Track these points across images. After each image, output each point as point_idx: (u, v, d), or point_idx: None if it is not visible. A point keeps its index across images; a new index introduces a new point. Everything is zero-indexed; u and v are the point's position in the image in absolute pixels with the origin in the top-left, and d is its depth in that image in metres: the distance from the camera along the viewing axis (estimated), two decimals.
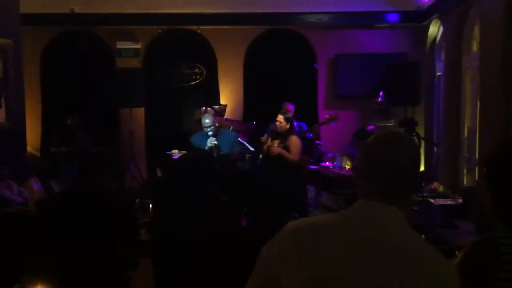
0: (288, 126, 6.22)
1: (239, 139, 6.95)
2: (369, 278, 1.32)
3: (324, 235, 1.40)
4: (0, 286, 3.82)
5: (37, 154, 8.24)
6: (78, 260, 2.93)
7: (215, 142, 6.30)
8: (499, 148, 1.64)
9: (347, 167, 6.67)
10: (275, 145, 6.12)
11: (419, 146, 6.19)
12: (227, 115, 8.08)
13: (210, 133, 6.31)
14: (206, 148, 6.32)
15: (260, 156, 6.84)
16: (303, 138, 6.70)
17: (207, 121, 6.33)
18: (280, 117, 6.25)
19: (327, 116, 7.26)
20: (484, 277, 1.51)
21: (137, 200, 3.33)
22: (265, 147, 6.17)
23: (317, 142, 7.53)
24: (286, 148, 6.10)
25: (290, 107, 7.24)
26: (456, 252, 3.23)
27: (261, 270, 1.48)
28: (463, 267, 1.51)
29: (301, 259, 1.39)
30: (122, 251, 3.03)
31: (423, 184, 4.77)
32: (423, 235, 3.34)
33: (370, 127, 7.13)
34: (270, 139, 6.18)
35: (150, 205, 3.31)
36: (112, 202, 3.07)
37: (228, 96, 8.70)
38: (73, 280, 2.95)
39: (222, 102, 8.50)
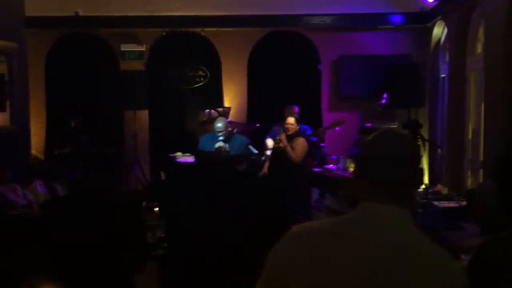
0: (297, 128, 6.31)
1: (250, 146, 6.94)
2: (378, 281, 1.32)
3: (331, 239, 1.40)
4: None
5: (42, 156, 8.27)
6: (83, 262, 2.94)
7: (224, 145, 6.31)
8: (509, 149, 1.64)
9: (351, 169, 6.67)
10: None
11: (424, 148, 6.18)
12: (231, 117, 8.08)
13: (220, 138, 6.32)
14: (213, 149, 6.32)
15: (263, 158, 6.86)
16: (308, 141, 6.72)
17: (219, 125, 6.33)
18: (291, 119, 6.31)
19: (334, 120, 7.27)
20: (494, 278, 1.51)
21: (144, 203, 3.34)
22: (280, 144, 6.23)
23: (321, 144, 7.53)
24: (292, 148, 6.17)
25: (295, 109, 7.25)
26: (462, 254, 3.23)
27: (268, 273, 1.47)
28: (473, 268, 1.51)
29: (309, 264, 1.38)
30: (128, 254, 3.04)
31: (422, 180, 4.77)
32: None
33: (368, 124, 7.13)
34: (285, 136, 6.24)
35: (156, 208, 3.33)
36: (118, 204, 3.08)
37: (232, 98, 8.70)
38: (78, 282, 2.96)
39: (226, 104, 8.51)
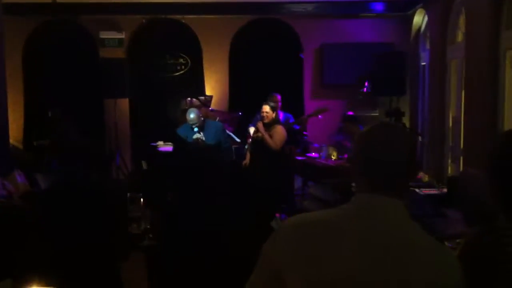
0: (274, 115, 6.27)
1: (226, 130, 6.94)
2: (378, 272, 1.32)
3: (328, 232, 1.39)
4: None
5: (20, 146, 8.13)
6: (68, 253, 2.91)
7: (200, 135, 6.31)
8: (502, 140, 1.65)
9: (333, 157, 6.69)
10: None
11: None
12: (212, 105, 8.04)
13: (196, 129, 6.31)
14: (191, 140, 6.32)
15: (246, 146, 6.85)
16: (290, 129, 6.71)
17: (192, 116, 6.31)
18: (267, 108, 6.27)
19: (317, 108, 7.28)
20: (487, 269, 1.52)
21: (128, 194, 3.31)
22: (258, 134, 6.22)
23: (303, 132, 7.54)
24: (270, 137, 6.16)
25: (278, 97, 7.23)
26: (445, 241, 3.27)
27: (264, 266, 1.47)
28: (465, 259, 1.52)
29: (307, 256, 1.37)
30: (112, 244, 3.02)
31: (417, 172, 4.83)
32: None
33: (350, 112, 7.16)
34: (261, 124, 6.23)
35: (141, 199, 3.30)
36: (102, 196, 3.05)
37: (214, 86, 8.65)
38: (63, 273, 2.93)
39: (208, 92, 8.46)
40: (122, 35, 8.43)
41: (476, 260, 1.54)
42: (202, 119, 6.44)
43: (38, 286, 2.18)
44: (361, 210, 1.41)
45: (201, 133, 6.36)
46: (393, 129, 1.50)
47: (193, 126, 6.32)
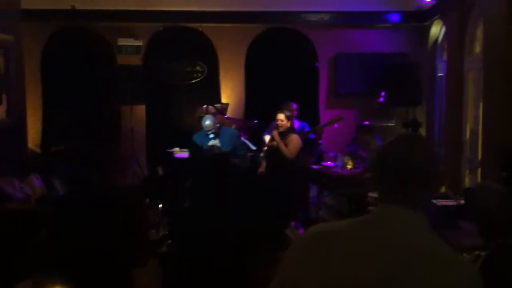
0: (289, 124, 6.29)
1: (242, 138, 6.96)
2: (395, 284, 1.31)
3: (348, 241, 1.39)
4: (5, 281, 3.81)
5: (38, 150, 8.21)
6: (84, 257, 2.93)
7: (215, 142, 6.33)
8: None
9: (349, 166, 6.67)
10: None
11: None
12: (228, 113, 8.06)
13: (211, 135, 6.33)
14: (206, 147, 6.34)
15: (261, 154, 6.86)
16: (305, 138, 6.71)
17: (207, 123, 6.34)
18: (281, 116, 6.28)
19: (332, 117, 7.28)
20: (506, 284, 1.51)
21: (147, 200, 3.33)
22: (274, 143, 6.23)
23: (318, 141, 7.53)
24: (285, 145, 6.17)
25: (293, 106, 7.24)
26: (464, 254, 3.24)
27: (282, 275, 1.47)
28: (487, 272, 1.51)
29: (324, 266, 1.38)
30: (128, 249, 3.03)
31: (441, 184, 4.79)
32: None
33: (366, 122, 7.15)
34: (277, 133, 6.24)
35: (160, 205, 3.32)
36: (118, 201, 3.07)
37: (230, 94, 8.68)
38: (79, 276, 2.95)
39: (224, 100, 8.49)
40: (139, 43, 8.49)
41: (499, 273, 1.53)
42: (218, 126, 6.46)
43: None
44: (381, 220, 1.41)
45: (217, 140, 6.39)
46: (415, 140, 1.49)
47: (209, 133, 6.35)
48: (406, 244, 1.35)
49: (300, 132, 6.71)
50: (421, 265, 1.31)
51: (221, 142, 6.40)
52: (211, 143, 6.37)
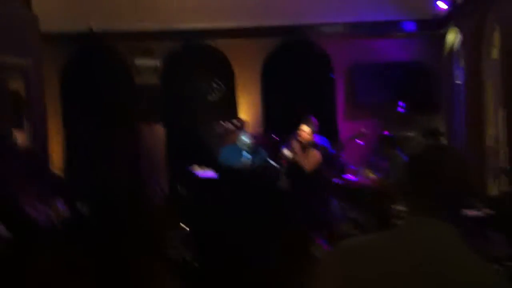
0: (311, 138, 6.28)
1: (269, 160, 6.92)
2: None
3: (377, 256, 1.40)
4: None
5: (61, 174, 8.28)
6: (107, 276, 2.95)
7: (249, 159, 6.29)
8: None
9: (371, 179, 6.62)
10: None
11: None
12: (246, 128, 8.07)
13: (244, 152, 6.27)
14: (238, 164, 6.28)
15: (280, 168, 6.82)
16: (325, 153, 6.68)
17: (247, 141, 6.29)
18: (308, 128, 6.26)
19: (355, 132, 7.25)
20: None
21: (172, 218, 3.34)
22: (293, 156, 6.20)
23: (339, 154, 7.49)
24: (305, 158, 6.15)
25: (314, 120, 7.22)
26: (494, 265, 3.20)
27: None
28: None
29: (360, 281, 1.38)
30: (148, 267, 3.05)
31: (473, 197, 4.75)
32: None
33: (386, 132, 7.10)
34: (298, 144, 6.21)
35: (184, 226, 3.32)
36: (141, 223, 3.10)
37: (246, 109, 8.71)
38: None
39: (241, 115, 8.51)
40: (156, 62, 8.57)
41: None
42: (254, 142, 6.44)
43: None
44: (413, 233, 1.40)
45: (249, 156, 6.32)
46: (447, 150, 1.50)
47: (245, 150, 6.29)
48: (438, 256, 1.34)
49: (320, 148, 6.68)
50: (454, 278, 1.31)
51: (255, 159, 6.36)
52: (244, 159, 6.32)
